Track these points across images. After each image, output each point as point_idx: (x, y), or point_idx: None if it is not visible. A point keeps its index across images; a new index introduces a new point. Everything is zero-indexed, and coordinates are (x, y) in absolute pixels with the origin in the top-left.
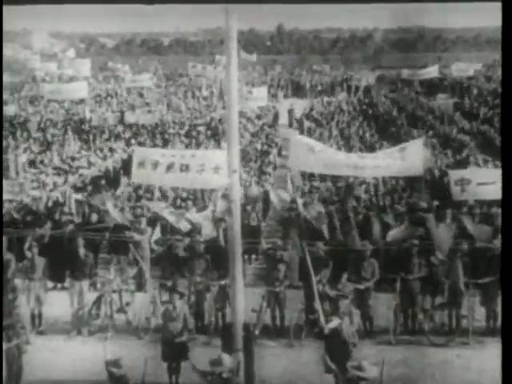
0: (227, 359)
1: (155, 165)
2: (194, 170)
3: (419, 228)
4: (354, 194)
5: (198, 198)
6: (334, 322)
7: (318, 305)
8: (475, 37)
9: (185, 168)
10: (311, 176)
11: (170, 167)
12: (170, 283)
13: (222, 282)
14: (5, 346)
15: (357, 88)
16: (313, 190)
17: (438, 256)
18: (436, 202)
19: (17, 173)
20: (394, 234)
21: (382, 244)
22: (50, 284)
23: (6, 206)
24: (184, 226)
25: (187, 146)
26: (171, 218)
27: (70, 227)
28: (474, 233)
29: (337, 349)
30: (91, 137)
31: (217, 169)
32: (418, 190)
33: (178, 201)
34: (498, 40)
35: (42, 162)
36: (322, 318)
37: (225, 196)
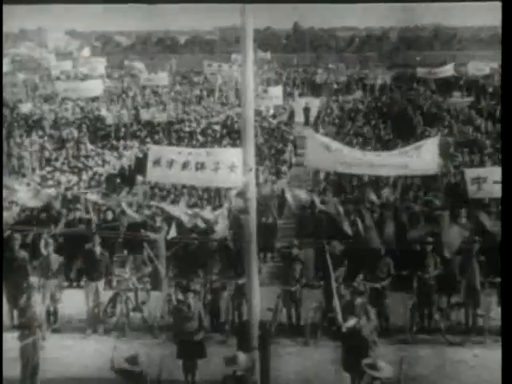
0: (242, 357)
1: (170, 163)
2: (210, 169)
3: (437, 227)
4: (370, 192)
5: (214, 196)
6: (352, 321)
7: (336, 303)
8: (491, 35)
9: (200, 166)
10: (327, 174)
11: (185, 165)
12: (185, 282)
13: (238, 281)
14: (20, 343)
15: (372, 86)
16: (329, 188)
17: (446, 254)
18: (451, 201)
19: (32, 170)
20: (412, 233)
21: (399, 243)
22: (65, 282)
23: (20, 203)
24: (199, 225)
25: (203, 145)
26: (185, 218)
27: (85, 226)
28: (492, 229)
29: (354, 347)
30: (106, 135)
31: (232, 167)
32: (433, 188)
33: (193, 199)
34: None
35: (56, 160)
36: (340, 317)
37: (240, 194)
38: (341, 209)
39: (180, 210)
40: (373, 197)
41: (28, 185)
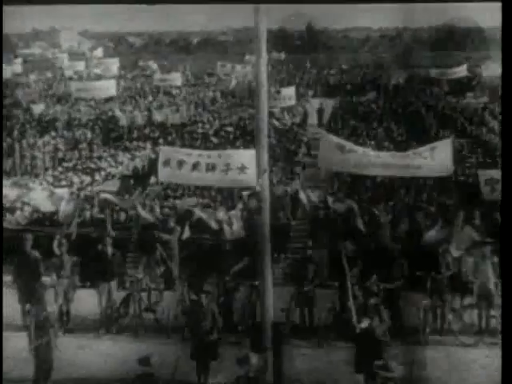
0: (255, 358)
1: (181, 164)
2: (220, 170)
3: (452, 229)
4: (384, 192)
5: (227, 196)
6: (365, 322)
7: (351, 304)
8: None
9: (211, 167)
10: (341, 175)
11: (195, 166)
12: (198, 282)
13: (251, 282)
14: (34, 343)
15: (386, 87)
16: (342, 189)
17: (454, 254)
18: (465, 202)
19: (45, 170)
20: (430, 235)
21: (412, 244)
22: (78, 282)
23: (32, 204)
24: (212, 225)
25: (216, 146)
26: (202, 214)
27: (98, 226)
28: None
29: (367, 349)
30: (119, 136)
31: (243, 168)
32: (447, 189)
33: (206, 200)
34: None
35: (69, 160)
36: (355, 318)
37: (253, 195)
38: (355, 206)
39: (195, 208)
40: (387, 197)
41: (41, 185)
